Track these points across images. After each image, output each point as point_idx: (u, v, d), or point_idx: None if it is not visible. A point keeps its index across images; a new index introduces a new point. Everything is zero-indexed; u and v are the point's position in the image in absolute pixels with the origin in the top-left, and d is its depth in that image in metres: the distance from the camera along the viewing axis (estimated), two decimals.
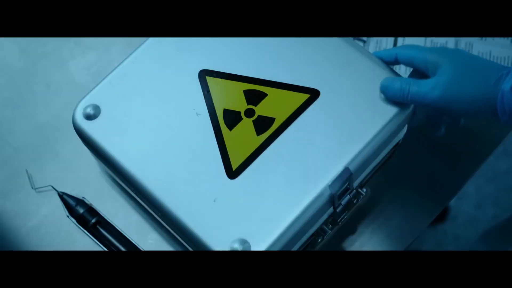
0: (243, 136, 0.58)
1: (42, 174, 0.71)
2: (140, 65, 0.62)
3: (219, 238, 0.54)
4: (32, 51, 0.78)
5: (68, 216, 0.68)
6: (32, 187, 0.70)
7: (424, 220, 0.69)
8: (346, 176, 0.56)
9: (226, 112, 0.59)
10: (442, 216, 1.33)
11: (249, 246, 0.53)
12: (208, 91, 0.60)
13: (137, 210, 0.69)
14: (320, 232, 0.63)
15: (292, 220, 0.54)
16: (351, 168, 0.56)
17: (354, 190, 0.61)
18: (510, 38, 0.72)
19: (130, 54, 0.63)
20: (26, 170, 0.71)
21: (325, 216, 0.61)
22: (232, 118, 0.59)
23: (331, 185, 0.55)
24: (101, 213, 0.68)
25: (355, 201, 0.65)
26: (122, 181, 0.62)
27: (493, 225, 1.28)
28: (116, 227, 0.67)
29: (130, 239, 0.67)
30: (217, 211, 0.55)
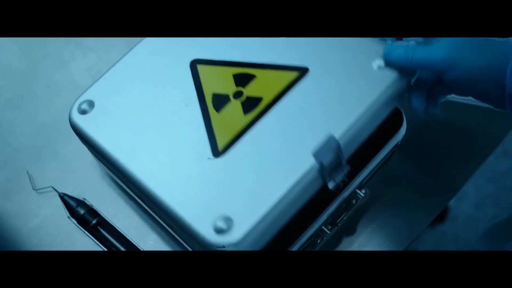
0: (231, 116, 0.57)
1: (43, 175, 0.71)
2: (135, 63, 0.62)
3: (202, 216, 0.53)
4: (33, 52, 0.79)
5: (68, 217, 0.68)
6: (33, 188, 0.71)
7: (423, 220, 0.69)
8: (332, 145, 0.54)
9: (215, 96, 0.59)
10: (442, 217, 1.34)
11: (233, 224, 0.52)
12: (198, 79, 0.60)
13: (137, 211, 0.69)
14: (319, 233, 0.63)
15: (279, 197, 0.53)
16: (342, 142, 0.55)
17: (348, 167, 0.58)
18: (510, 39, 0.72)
19: (126, 53, 0.63)
20: (27, 171, 0.71)
21: (324, 217, 0.61)
22: (221, 101, 0.58)
23: (315, 154, 0.54)
24: (101, 214, 0.68)
25: (354, 202, 0.65)
26: (116, 174, 0.62)
27: (493, 223, 1.28)
28: (117, 228, 0.68)
29: (130, 240, 0.67)
30: (201, 190, 0.54)
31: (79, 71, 0.77)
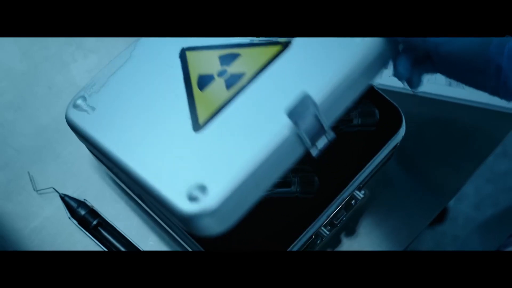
0: (214, 93, 0.57)
1: (44, 176, 0.72)
2: (129, 60, 0.63)
3: (176, 186, 0.52)
4: (34, 54, 0.79)
5: (69, 218, 0.68)
6: (33, 189, 0.71)
7: (423, 220, 0.69)
8: (308, 103, 0.53)
9: (200, 77, 0.59)
10: (441, 217, 1.34)
11: (207, 192, 0.51)
12: (186, 63, 0.60)
13: (138, 212, 0.69)
14: (319, 233, 0.63)
15: (256, 164, 0.52)
16: (323, 106, 0.54)
17: (333, 133, 0.56)
18: None
19: (121, 52, 0.63)
20: (28, 172, 0.72)
21: (323, 218, 0.61)
22: (205, 80, 0.58)
23: (290, 113, 0.52)
24: (102, 215, 0.68)
25: (353, 203, 0.65)
26: (107, 163, 0.62)
27: (487, 220, 1.28)
28: (117, 229, 0.68)
29: (131, 240, 0.67)
30: (177, 163, 0.54)
31: (80, 73, 0.78)
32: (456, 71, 0.55)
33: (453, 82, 0.75)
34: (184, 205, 0.51)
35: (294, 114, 0.52)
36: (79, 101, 0.61)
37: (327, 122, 0.55)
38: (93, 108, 0.60)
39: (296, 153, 0.55)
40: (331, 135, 0.56)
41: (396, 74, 0.58)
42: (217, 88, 0.57)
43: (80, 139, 0.62)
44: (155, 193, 0.53)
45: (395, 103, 0.66)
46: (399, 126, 0.65)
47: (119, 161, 0.56)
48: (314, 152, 0.56)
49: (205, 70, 0.59)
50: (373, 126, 0.66)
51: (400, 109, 0.66)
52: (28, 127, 0.75)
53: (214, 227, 0.52)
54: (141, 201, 0.65)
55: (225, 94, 0.57)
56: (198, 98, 0.57)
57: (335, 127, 0.67)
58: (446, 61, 0.54)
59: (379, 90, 0.67)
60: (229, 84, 0.57)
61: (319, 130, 0.55)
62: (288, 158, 0.55)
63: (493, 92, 0.53)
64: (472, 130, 0.73)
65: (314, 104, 0.53)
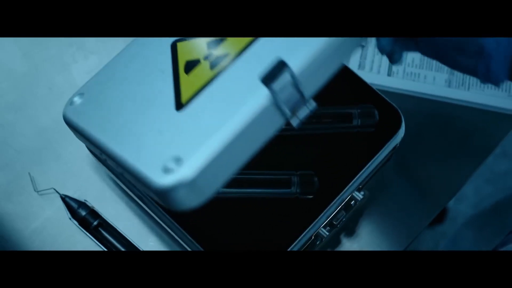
0: (198, 75, 0.57)
1: (45, 177, 0.72)
2: (125, 59, 0.63)
3: (151, 159, 0.52)
4: (35, 55, 0.79)
5: (70, 219, 0.69)
6: (34, 190, 0.71)
7: (422, 221, 0.69)
8: (282, 69, 0.53)
9: (187, 63, 0.59)
10: (441, 217, 1.34)
11: (182, 163, 0.50)
12: (176, 53, 0.60)
13: (138, 213, 0.70)
14: (318, 234, 0.63)
15: (232, 133, 0.52)
16: (303, 75, 0.53)
17: (314, 103, 0.56)
18: None
19: (119, 53, 0.64)
20: (29, 173, 0.72)
21: (323, 219, 0.61)
22: (192, 65, 0.58)
23: (263, 78, 0.52)
24: (103, 216, 0.69)
25: (352, 203, 0.66)
26: (96, 153, 0.62)
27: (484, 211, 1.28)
28: (118, 229, 0.68)
29: (131, 241, 0.67)
30: (155, 139, 0.54)
31: (81, 74, 0.78)
32: (438, 49, 0.55)
33: (453, 83, 0.75)
34: (159, 178, 0.51)
35: (268, 78, 0.52)
36: (76, 99, 0.61)
37: (307, 92, 0.54)
38: (88, 103, 0.60)
39: (276, 123, 0.55)
40: (312, 105, 0.55)
41: (378, 47, 0.58)
42: (202, 70, 0.57)
43: (78, 137, 0.62)
44: (131, 169, 0.53)
45: (394, 104, 0.67)
46: (398, 127, 0.65)
47: (102, 145, 0.56)
48: (294, 122, 0.55)
49: (193, 56, 0.59)
50: (372, 127, 0.66)
51: (399, 110, 0.66)
52: (28, 128, 0.75)
53: (190, 199, 0.52)
54: (142, 201, 0.65)
55: (209, 73, 0.56)
56: (183, 80, 0.57)
57: (334, 127, 0.68)
58: (429, 38, 0.54)
59: (378, 91, 0.68)
60: (213, 65, 0.57)
61: (299, 100, 0.54)
62: (267, 128, 0.55)
63: (471, 72, 0.53)
64: (471, 130, 0.73)
65: (292, 72, 0.53)
